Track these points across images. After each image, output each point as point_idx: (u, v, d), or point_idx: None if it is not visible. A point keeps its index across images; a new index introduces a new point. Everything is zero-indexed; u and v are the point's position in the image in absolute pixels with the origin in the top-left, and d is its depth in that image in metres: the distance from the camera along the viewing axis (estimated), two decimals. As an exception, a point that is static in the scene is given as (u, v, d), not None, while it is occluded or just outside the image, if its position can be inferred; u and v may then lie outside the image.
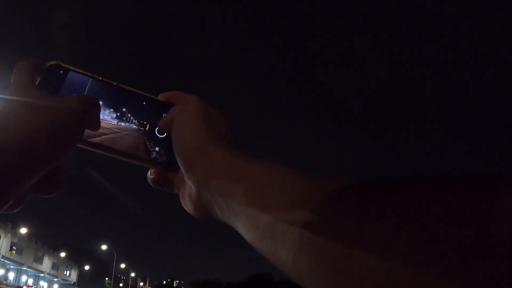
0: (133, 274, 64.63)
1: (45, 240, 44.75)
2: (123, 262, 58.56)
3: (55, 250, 46.34)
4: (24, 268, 37.98)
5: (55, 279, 47.26)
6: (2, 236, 31.65)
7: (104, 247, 43.75)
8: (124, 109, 0.33)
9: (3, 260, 31.69)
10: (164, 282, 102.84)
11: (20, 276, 39.01)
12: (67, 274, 50.64)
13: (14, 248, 34.80)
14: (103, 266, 65.66)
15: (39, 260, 41.01)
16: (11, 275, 37.25)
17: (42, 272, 42.08)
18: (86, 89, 0.32)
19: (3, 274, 33.39)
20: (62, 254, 46.46)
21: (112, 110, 0.32)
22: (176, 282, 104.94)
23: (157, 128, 0.33)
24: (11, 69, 0.29)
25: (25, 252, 37.01)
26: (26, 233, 34.83)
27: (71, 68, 0.32)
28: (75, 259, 54.12)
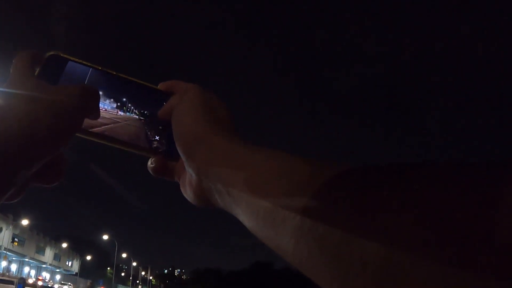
0: (134, 264, 65.25)
1: (47, 231, 45.01)
2: (125, 251, 59.15)
3: (57, 241, 46.64)
4: (26, 260, 38.25)
5: (57, 270, 47.68)
6: (4, 228, 31.78)
7: (105, 237, 44.02)
8: (124, 99, 0.33)
9: (5, 252, 31.89)
10: (166, 271, 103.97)
11: (22, 268, 39.33)
12: (69, 265, 51.06)
13: (16, 239, 34.99)
14: (104, 256, 66.21)
15: (41, 251, 41.30)
16: (14, 267, 37.56)
17: (44, 263, 42.40)
18: (86, 79, 0.31)
19: (5, 265, 33.64)
20: (64, 245, 46.77)
21: (112, 99, 0.32)
22: (178, 271, 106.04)
23: (157, 117, 0.33)
24: (11, 61, 0.29)
25: (27, 244, 37.24)
26: (27, 225, 34.99)
27: (71, 58, 0.32)
28: (77, 250, 54.50)
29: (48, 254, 43.26)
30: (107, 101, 0.32)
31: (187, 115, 0.29)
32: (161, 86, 0.34)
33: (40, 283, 25.29)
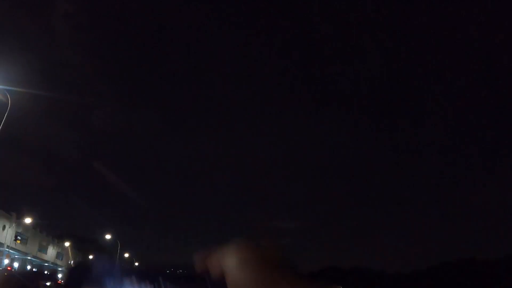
0: (136, 264, 65.12)
1: (50, 230, 44.99)
2: (127, 251, 59.02)
3: (60, 239, 46.66)
4: (29, 258, 38.26)
5: (60, 269, 47.64)
6: (7, 226, 31.80)
7: (108, 236, 43.98)
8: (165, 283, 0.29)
9: (7, 250, 31.88)
10: (168, 271, 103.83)
11: (25, 266, 39.34)
12: (72, 264, 51.02)
13: (18, 238, 35.01)
14: (107, 255, 66.17)
15: (43, 249, 41.35)
16: (16, 265, 37.57)
17: (47, 261, 42.44)
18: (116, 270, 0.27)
19: (8, 263, 33.63)
20: (67, 244, 46.77)
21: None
22: (179, 272, 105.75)
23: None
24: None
25: (29, 242, 37.27)
26: (30, 223, 34.97)
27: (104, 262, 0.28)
28: (79, 249, 54.52)
29: (51, 252, 43.29)
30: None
31: (244, 266, 0.28)
32: (197, 267, 0.31)
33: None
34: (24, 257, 37.74)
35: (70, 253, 49.80)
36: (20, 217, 33.65)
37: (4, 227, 31.55)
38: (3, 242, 31.22)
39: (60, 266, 46.85)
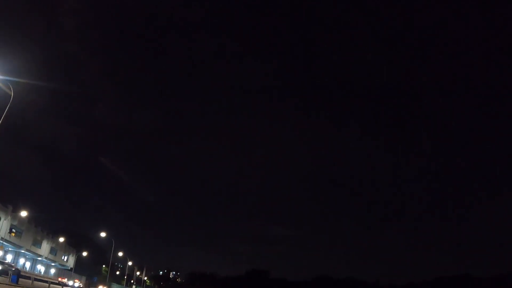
0: (130, 263, 64.98)
1: (45, 225, 44.96)
2: (121, 250, 58.89)
3: (55, 235, 46.64)
4: (23, 251, 38.24)
5: (53, 264, 47.61)
6: (2, 218, 31.83)
7: (103, 234, 43.96)
8: None
9: (1, 242, 31.91)
10: (161, 272, 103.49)
11: (18, 259, 39.33)
12: (65, 260, 50.97)
13: (13, 230, 35.04)
14: (101, 253, 66.07)
15: (37, 244, 41.30)
16: (9, 257, 37.55)
17: (40, 256, 42.38)
18: None
19: (1, 256, 33.63)
20: (61, 239, 46.72)
21: None
22: (173, 273, 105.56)
23: None
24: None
25: (24, 235, 37.27)
26: (26, 217, 35.01)
27: None
28: (73, 245, 54.46)
29: (45, 247, 43.23)
30: None
31: None
32: None
33: None
34: (17, 250, 37.72)
35: (64, 248, 49.67)
36: (16, 210, 33.71)
37: (-1, 219, 31.60)
38: (-2, 234, 31.26)
39: (54, 262, 46.77)
